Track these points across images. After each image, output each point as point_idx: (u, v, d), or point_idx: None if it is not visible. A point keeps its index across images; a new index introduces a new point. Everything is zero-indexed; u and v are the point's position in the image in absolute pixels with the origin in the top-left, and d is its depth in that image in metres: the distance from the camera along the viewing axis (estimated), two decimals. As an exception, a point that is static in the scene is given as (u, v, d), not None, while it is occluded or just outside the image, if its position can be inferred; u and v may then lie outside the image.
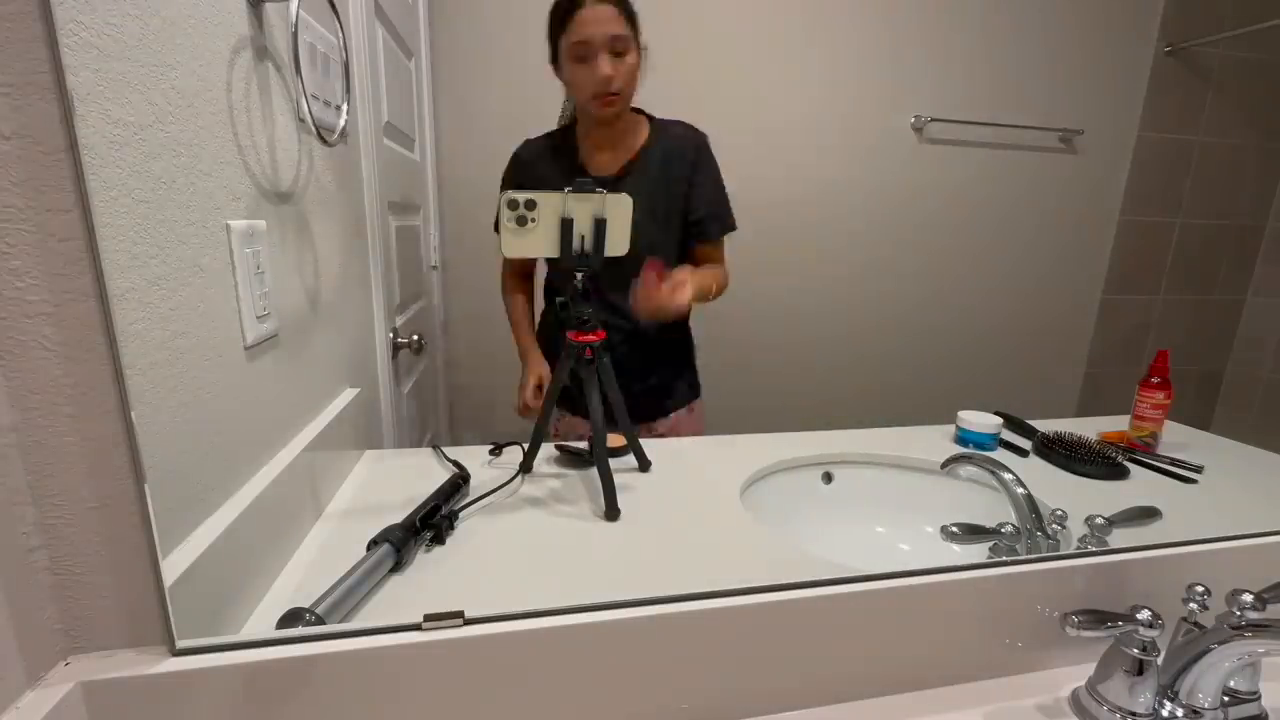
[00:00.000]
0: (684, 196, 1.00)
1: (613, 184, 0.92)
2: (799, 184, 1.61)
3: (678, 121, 1.02)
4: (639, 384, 1.02)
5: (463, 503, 0.67)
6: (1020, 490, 0.68)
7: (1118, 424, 0.93)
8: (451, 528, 0.62)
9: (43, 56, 0.32)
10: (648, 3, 1.43)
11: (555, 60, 0.96)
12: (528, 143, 1.05)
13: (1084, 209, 1.79)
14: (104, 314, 0.35)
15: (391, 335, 0.99)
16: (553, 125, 1.46)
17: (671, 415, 1.11)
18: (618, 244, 0.64)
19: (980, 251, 1.76)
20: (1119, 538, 0.68)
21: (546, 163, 1.02)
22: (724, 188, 1.04)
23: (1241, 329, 1.89)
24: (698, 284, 0.90)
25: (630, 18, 0.91)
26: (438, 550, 0.59)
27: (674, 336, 1.09)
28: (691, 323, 1.12)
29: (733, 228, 1.05)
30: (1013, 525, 0.69)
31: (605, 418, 0.69)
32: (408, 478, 0.72)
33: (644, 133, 1.01)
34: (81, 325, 0.35)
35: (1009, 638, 0.54)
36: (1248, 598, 0.46)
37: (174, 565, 0.40)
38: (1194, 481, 0.81)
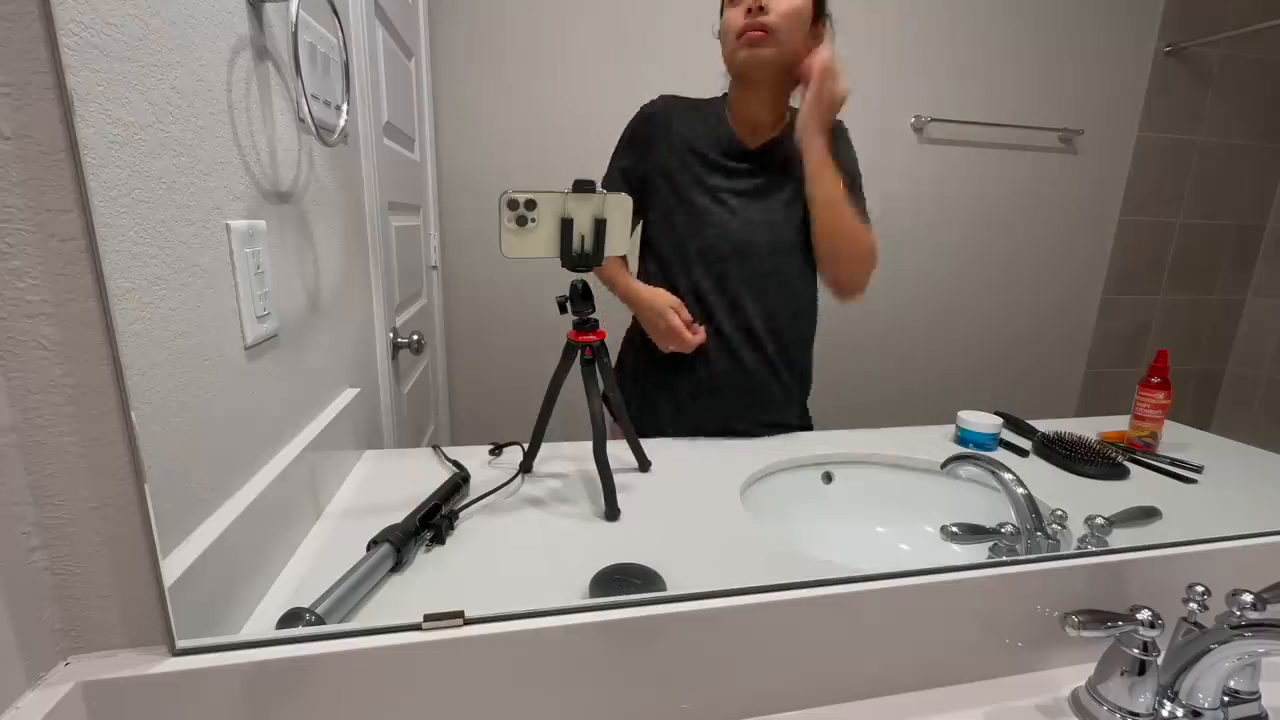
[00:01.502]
0: None
1: (755, 159, 0.90)
2: (799, 184, 1.61)
3: None
4: (770, 400, 0.93)
5: (463, 503, 0.67)
6: (1020, 490, 0.68)
7: (1118, 424, 0.93)
8: (451, 528, 0.62)
9: (43, 56, 0.33)
10: (647, 2, 1.43)
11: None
12: (665, 97, 0.94)
13: (1084, 209, 1.79)
14: (104, 314, 0.35)
15: (391, 335, 0.99)
16: (552, 128, 1.47)
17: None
18: (618, 244, 0.64)
19: (980, 251, 1.76)
20: (1119, 538, 0.68)
21: (686, 119, 0.91)
22: (857, 172, 0.96)
23: (1241, 329, 1.89)
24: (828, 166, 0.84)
25: None
26: (438, 550, 0.59)
27: (808, 351, 0.97)
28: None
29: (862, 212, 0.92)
30: (1013, 525, 0.69)
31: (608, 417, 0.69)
32: (408, 478, 0.72)
33: (788, 119, 0.91)
34: (81, 325, 0.35)
35: (1009, 638, 0.54)
36: (1248, 598, 0.46)
37: (174, 565, 0.40)
38: (1194, 481, 0.81)
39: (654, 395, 0.95)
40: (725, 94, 0.94)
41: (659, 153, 0.91)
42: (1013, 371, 1.85)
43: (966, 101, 1.64)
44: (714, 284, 0.90)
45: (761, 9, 0.80)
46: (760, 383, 0.92)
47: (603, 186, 0.94)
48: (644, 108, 0.94)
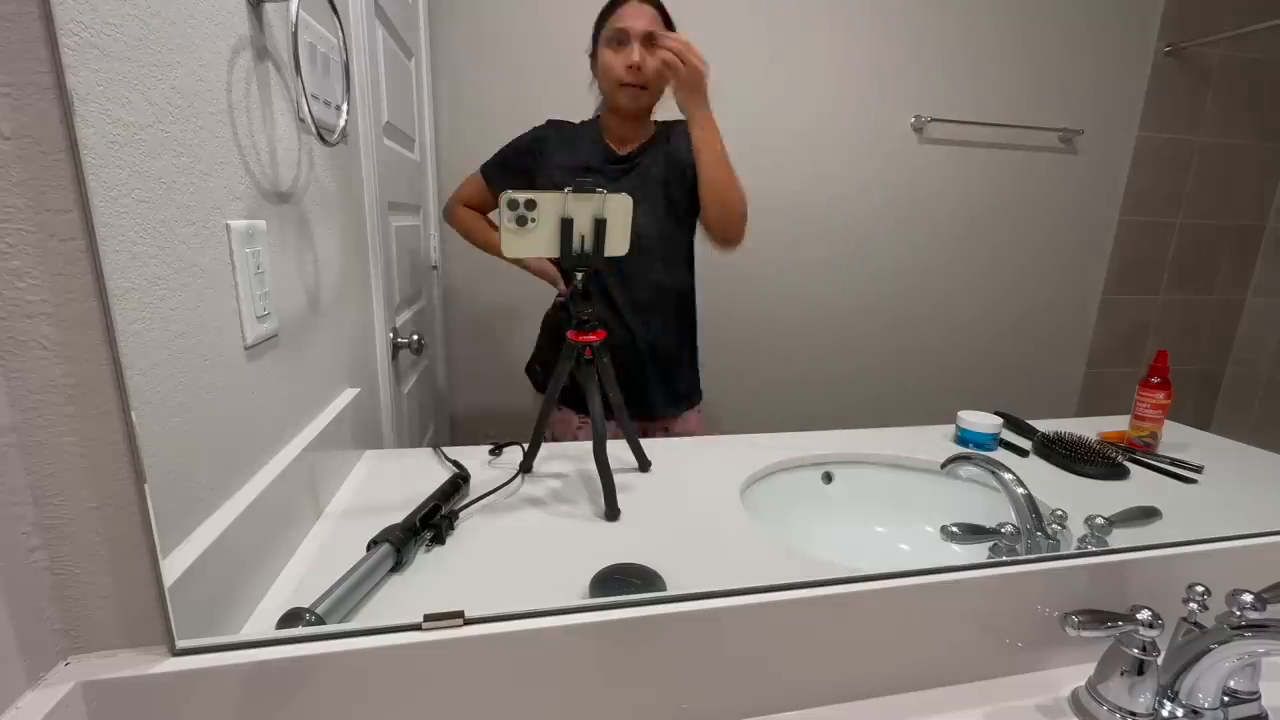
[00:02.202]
0: (693, 182, 1.01)
1: (626, 161, 1.03)
2: (798, 184, 1.61)
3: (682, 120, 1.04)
4: (641, 381, 1.06)
5: (463, 503, 0.67)
6: (1020, 490, 0.68)
7: (1118, 424, 0.93)
8: (451, 528, 0.62)
9: (43, 56, 0.33)
10: (648, 3, 1.43)
11: (595, 52, 1.01)
12: (552, 122, 1.08)
13: (1084, 209, 1.79)
14: (104, 314, 0.35)
15: (391, 335, 0.99)
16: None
17: (679, 416, 1.13)
18: (618, 244, 0.64)
19: (980, 251, 1.76)
20: (1119, 538, 0.68)
21: (568, 140, 1.06)
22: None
23: (1241, 329, 1.89)
24: (712, 128, 0.96)
25: (667, 24, 0.98)
26: (438, 550, 0.59)
27: (680, 335, 1.10)
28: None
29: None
30: (1013, 525, 0.69)
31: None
32: (408, 478, 0.72)
33: (653, 130, 1.06)
34: (81, 325, 0.35)
35: (1009, 638, 0.54)
36: (1248, 598, 0.46)
37: (174, 565, 0.40)
38: (1194, 481, 0.81)
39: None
40: (597, 115, 1.09)
41: (545, 166, 1.05)
42: (1013, 371, 1.85)
43: (966, 101, 1.64)
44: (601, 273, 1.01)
45: (639, 69, 0.95)
46: (645, 360, 1.05)
47: (481, 170, 1.14)
48: (535, 129, 1.08)
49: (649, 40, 0.94)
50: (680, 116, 1.04)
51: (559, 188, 0.95)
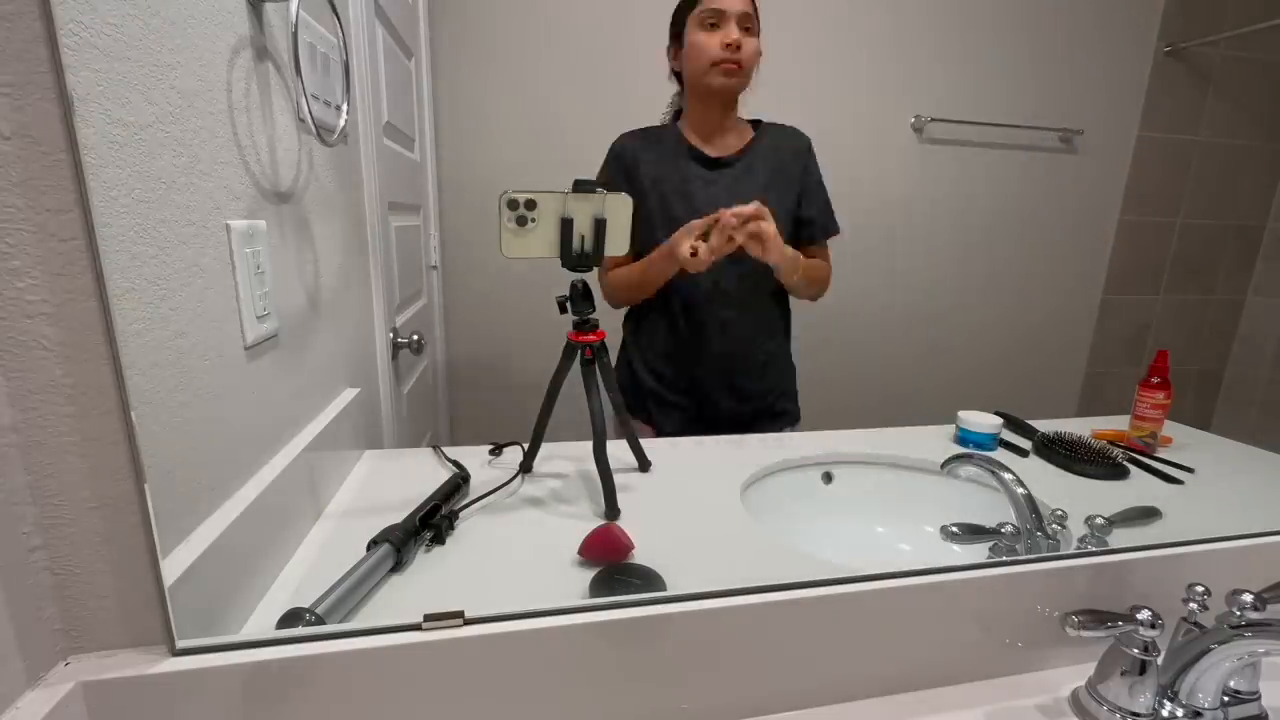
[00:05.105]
0: (795, 194, 1.01)
1: (724, 165, 0.99)
2: (799, 184, 1.61)
3: (781, 124, 1.05)
4: (740, 403, 1.05)
5: (463, 503, 0.67)
6: (1020, 490, 0.68)
7: (1118, 424, 0.93)
8: (451, 528, 0.62)
9: (43, 56, 0.33)
10: (646, 2, 1.43)
11: (678, 38, 0.98)
12: (626, 136, 1.03)
13: (1084, 209, 1.79)
14: (104, 314, 0.35)
15: (391, 335, 0.99)
16: (552, 128, 1.47)
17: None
18: (618, 244, 0.64)
19: (980, 251, 1.76)
20: (1119, 538, 0.68)
21: (654, 150, 1.01)
22: (826, 190, 1.05)
23: (1241, 329, 1.89)
24: (793, 258, 0.92)
25: (755, 8, 0.95)
26: (438, 550, 0.59)
27: (776, 355, 1.10)
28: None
29: (836, 231, 1.06)
30: (1013, 525, 0.69)
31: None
32: (408, 478, 0.72)
33: (750, 130, 1.03)
34: (81, 325, 0.35)
35: (1009, 638, 0.54)
36: (1248, 598, 0.46)
37: (174, 565, 0.40)
38: (1180, 482, 0.81)
39: (661, 388, 1.05)
40: (675, 116, 1.05)
41: (635, 183, 1.00)
42: (1013, 371, 1.85)
43: (966, 101, 1.64)
44: (704, 279, 0.95)
45: (738, 47, 0.92)
46: (743, 360, 1.04)
47: None
48: (612, 147, 1.02)
49: (745, 21, 0.92)
50: (771, 119, 1.04)
51: (655, 189, 0.98)
